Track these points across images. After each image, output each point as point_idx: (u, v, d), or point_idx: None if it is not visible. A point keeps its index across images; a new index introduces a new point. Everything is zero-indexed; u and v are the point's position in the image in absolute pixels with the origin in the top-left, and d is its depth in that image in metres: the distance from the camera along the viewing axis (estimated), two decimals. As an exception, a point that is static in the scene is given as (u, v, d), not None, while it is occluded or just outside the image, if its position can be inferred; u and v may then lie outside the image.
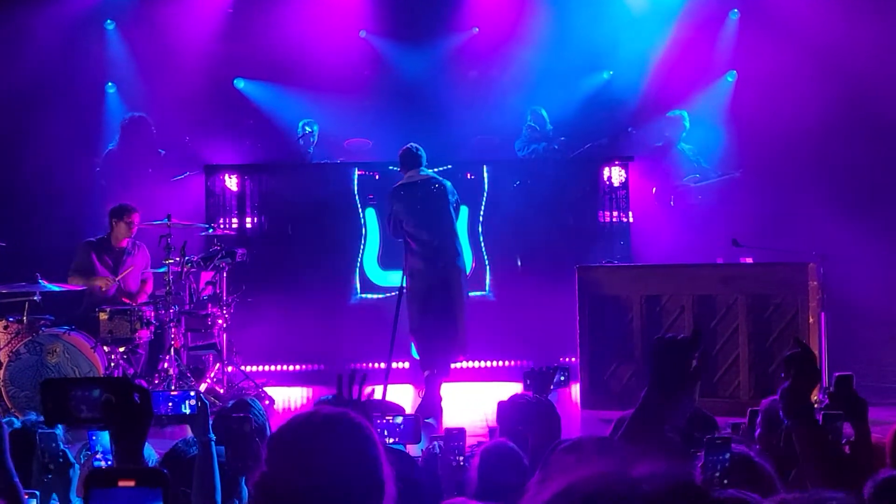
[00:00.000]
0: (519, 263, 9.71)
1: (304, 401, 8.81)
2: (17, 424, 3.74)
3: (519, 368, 9.33)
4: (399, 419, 3.38)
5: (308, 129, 10.66)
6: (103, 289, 8.41)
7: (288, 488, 2.11)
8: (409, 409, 7.82)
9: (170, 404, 3.19)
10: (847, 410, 3.36)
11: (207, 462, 3.16)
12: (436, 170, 8.60)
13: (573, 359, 8.58)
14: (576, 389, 8.15)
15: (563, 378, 4.89)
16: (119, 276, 8.47)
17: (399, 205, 7.97)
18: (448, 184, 8.08)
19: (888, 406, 7.25)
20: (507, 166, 10.31)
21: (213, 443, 3.20)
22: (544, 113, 10.65)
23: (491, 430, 5.19)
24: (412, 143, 8.20)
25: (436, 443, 4.34)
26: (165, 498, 1.69)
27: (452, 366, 8.21)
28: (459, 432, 4.35)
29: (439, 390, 7.90)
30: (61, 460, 3.26)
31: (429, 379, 7.85)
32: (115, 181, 10.37)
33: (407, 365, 9.02)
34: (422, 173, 8.06)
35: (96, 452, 3.20)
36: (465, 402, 8.49)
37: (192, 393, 3.23)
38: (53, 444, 3.26)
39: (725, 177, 10.34)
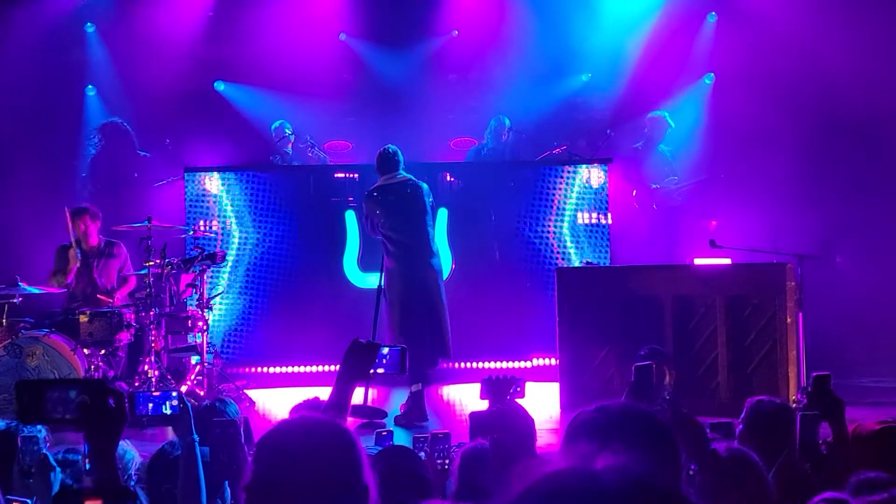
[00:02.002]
0: (498, 257, 9.72)
1: (285, 402, 8.79)
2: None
3: (500, 370, 9.37)
4: (385, 350, 3.43)
5: (287, 130, 10.68)
6: (70, 266, 8.36)
7: (275, 492, 2.16)
8: (392, 411, 7.83)
9: (150, 405, 3.18)
10: (824, 410, 3.41)
11: (191, 463, 3.17)
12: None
13: (553, 360, 8.63)
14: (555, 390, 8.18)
15: (517, 388, 4.98)
16: (77, 265, 8.42)
17: (376, 207, 7.90)
18: (424, 186, 8.02)
19: (865, 406, 7.34)
20: (485, 168, 10.34)
21: (196, 443, 3.21)
22: (507, 121, 10.67)
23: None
24: (389, 145, 8.10)
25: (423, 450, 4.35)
26: None
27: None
28: (445, 436, 4.38)
29: (424, 396, 7.80)
30: (42, 464, 3.26)
31: (416, 392, 7.71)
32: (102, 186, 10.37)
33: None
34: (398, 176, 7.98)
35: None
36: (445, 404, 8.51)
37: (174, 394, 3.22)
38: (35, 448, 3.26)
39: (696, 181, 10.44)
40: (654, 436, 2.16)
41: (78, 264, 8.43)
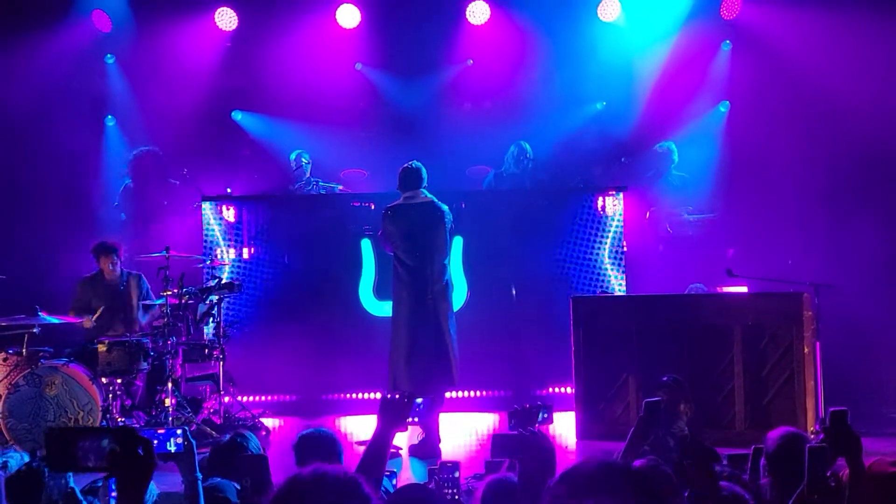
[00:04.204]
0: (514, 293, 9.75)
1: (301, 430, 8.79)
2: (14, 464, 3.76)
3: (514, 398, 9.36)
4: (419, 399, 3.54)
5: (304, 159, 10.75)
6: (86, 326, 8.52)
7: None
8: (405, 443, 7.81)
9: (155, 441, 3.19)
10: (841, 446, 3.40)
11: (195, 501, 3.18)
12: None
13: (569, 389, 8.61)
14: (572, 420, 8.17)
15: (544, 415, 4.97)
16: (95, 316, 8.56)
17: (393, 226, 7.75)
18: (445, 208, 7.86)
19: (886, 437, 7.30)
20: (501, 196, 10.37)
21: (199, 481, 3.22)
22: (528, 147, 10.73)
23: (487, 464, 5.22)
24: (414, 161, 7.91)
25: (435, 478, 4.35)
26: None
27: (446, 395, 8.17)
28: (453, 465, 4.37)
29: (437, 424, 7.73)
30: (69, 498, 3.29)
31: (422, 412, 7.66)
32: (134, 215, 10.48)
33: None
34: (422, 196, 7.79)
35: (114, 491, 3.22)
36: (460, 432, 8.50)
37: (179, 431, 3.24)
38: (63, 482, 3.29)
39: (708, 217, 10.47)
40: (623, 491, 2.11)
41: (102, 308, 8.56)
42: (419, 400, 3.58)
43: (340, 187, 10.74)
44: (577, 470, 2.15)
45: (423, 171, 7.85)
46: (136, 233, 9.17)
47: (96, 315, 8.55)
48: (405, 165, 7.90)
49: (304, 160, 10.73)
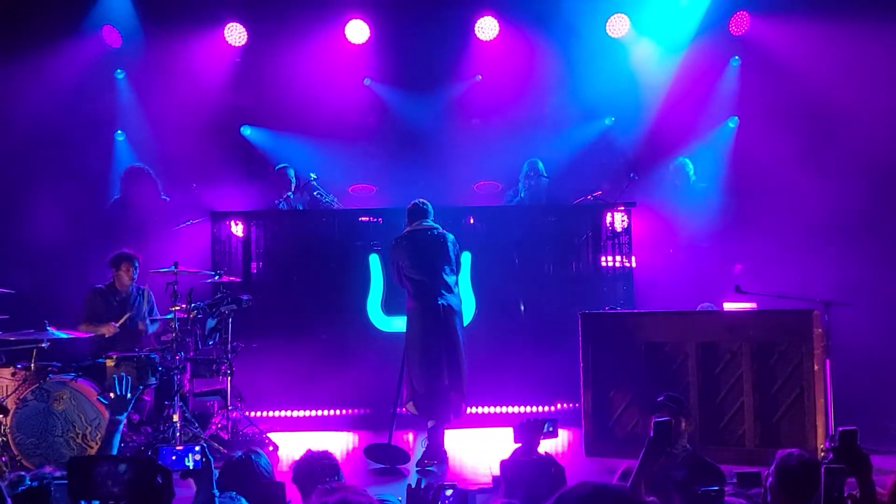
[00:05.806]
0: (522, 309, 9.73)
1: (308, 446, 8.77)
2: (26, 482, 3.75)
3: (522, 415, 9.34)
4: (449, 492, 3.53)
5: (291, 173, 10.71)
6: (107, 335, 8.53)
7: None
8: (413, 454, 7.84)
9: (174, 457, 3.19)
10: (850, 466, 3.37)
11: None
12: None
13: (577, 405, 8.59)
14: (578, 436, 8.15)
15: (550, 429, 4.98)
16: (120, 322, 8.59)
17: (400, 251, 8.11)
18: (450, 236, 8.17)
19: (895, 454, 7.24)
20: (508, 212, 10.36)
21: (217, 498, 3.21)
22: (541, 165, 10.73)
23: (495, 480, 5.20)
24: (420, 199, 8.29)
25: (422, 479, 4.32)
26: None
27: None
28: (451, 487, 4.35)
29: (443, 436, 7.90)
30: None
31: (433, 428, 7.86)
32: (123, 230, 10.47)
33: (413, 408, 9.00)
34: (424, 223, 8.15)
35: None
36: (467, 448, 8.47)
37: (197, 448, 3.23)
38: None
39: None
40: None
41: (122, 320, 8.60)
42: (449, 492, 3.55)
43: (335, 202, 10.70)
44: (573, 493, 2.14)
45: (430, 206, 8.26)
46: (125, 247, 9.13)
47: (121, 321, 8.59)
48: (413, 203, 8.28)
49: (290, 174, 10.70)
